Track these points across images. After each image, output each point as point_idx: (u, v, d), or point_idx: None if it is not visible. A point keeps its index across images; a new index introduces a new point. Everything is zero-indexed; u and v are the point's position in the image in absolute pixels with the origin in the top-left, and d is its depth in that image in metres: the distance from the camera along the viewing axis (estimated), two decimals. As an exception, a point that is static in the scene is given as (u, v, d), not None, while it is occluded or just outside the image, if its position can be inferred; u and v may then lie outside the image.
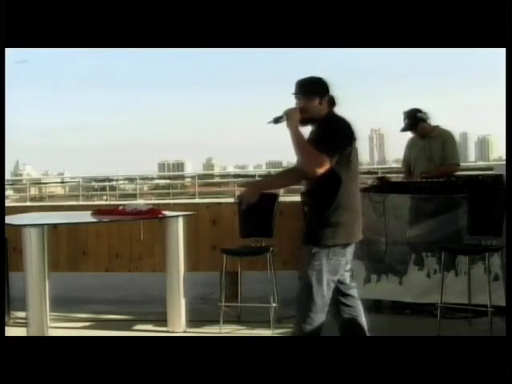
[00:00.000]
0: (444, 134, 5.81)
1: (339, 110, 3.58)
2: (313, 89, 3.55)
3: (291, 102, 3.59)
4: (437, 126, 5.84)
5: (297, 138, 3.43)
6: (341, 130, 3.46)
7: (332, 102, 3.58)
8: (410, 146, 6.02)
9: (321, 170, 3.34)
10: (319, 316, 3.41)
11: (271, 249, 5.10)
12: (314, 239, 3.44)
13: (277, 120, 3.50)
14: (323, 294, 3.42)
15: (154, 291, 5.62)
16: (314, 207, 3.51)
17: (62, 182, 27.27)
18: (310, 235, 3.48)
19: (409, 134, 6.03)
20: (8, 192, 20.17)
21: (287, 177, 3.87)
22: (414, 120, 5.78)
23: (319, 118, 3.53)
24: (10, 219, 4.66)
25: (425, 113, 5.81)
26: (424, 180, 5.46)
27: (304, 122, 3.52)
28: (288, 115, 3.47)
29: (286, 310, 4.84)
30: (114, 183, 23.60)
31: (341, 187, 3.45)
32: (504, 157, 5.46)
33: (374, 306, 5.45)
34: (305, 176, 3.49)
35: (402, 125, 5.87)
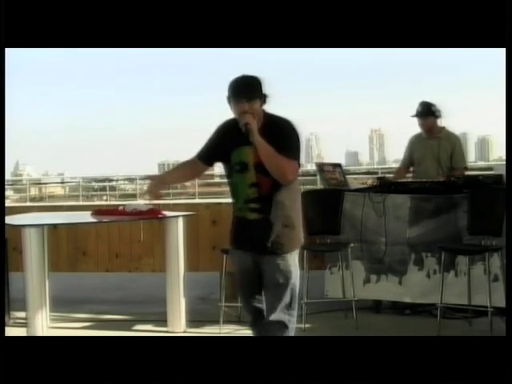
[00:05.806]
0: (453, 138, 5.83)
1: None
2: (256, 90, 3.27)
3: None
4: (444, 128, 5.82)
5: (265, 147, 3.18)
6: (295, 132, 3.31)
7: (264, 101, 3.32)
8: (414, 143, 5.95)
9: (294, 177, 3.28)
10: None
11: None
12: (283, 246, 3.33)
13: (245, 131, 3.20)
14: None
15: (154, 291, 5.62)
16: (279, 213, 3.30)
17: (62, 182, 27.31)
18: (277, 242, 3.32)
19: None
20: (8, 192, 20.17)
21: (184, 171, 3.60)
22: (427, 110, 5.73)
23: (259, 120, 3.26)
24: (10, 219, 4.66)
25: (438, 110, 5.77)
26: (424, 180, 5.47)
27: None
28: (249, 124, 3.19)
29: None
30: (114, 183, 23.63)
31: (297, 190, 3.43)
32: (504, 157, 5.47)
33: (374, 306, 5.46)
34: (200, 172, 3.55)
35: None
